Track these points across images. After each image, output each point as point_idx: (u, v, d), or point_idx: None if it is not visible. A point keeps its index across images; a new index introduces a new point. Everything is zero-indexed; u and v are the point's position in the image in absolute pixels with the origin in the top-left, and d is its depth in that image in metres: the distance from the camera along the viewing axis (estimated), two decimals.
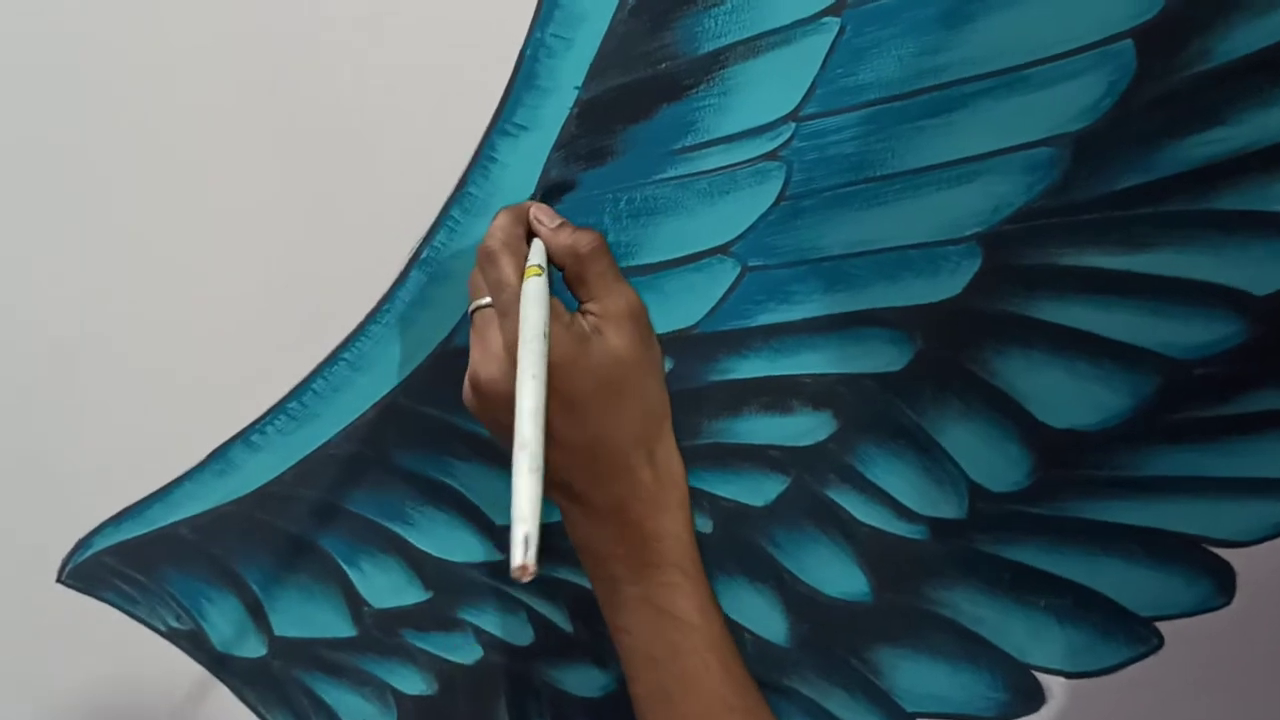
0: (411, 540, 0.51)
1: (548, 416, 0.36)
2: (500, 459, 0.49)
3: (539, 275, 0.39)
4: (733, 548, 0.49)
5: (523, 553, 0.30)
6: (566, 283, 0.41)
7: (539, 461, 0.32)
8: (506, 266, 0.39)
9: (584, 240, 0.40)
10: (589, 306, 0.41)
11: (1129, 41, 0.40)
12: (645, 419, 0.41)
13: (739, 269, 0.45)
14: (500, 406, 0.39)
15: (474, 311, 0.41)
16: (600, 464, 0.37)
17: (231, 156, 0.45)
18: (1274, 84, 0.40)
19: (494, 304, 0.40)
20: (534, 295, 0.37)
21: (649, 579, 0.41)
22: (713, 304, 0.45)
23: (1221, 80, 0.40)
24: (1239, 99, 0.40)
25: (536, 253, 0.41)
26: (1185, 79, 0.40)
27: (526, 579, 0.30)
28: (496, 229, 0.41)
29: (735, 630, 0.50)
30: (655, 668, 0.40)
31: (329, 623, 0.53)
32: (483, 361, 0.39)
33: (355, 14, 0.43)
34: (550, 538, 0.51)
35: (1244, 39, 0.39)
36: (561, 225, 0.41)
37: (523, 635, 0.53)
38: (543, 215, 0.42)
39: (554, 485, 0.41)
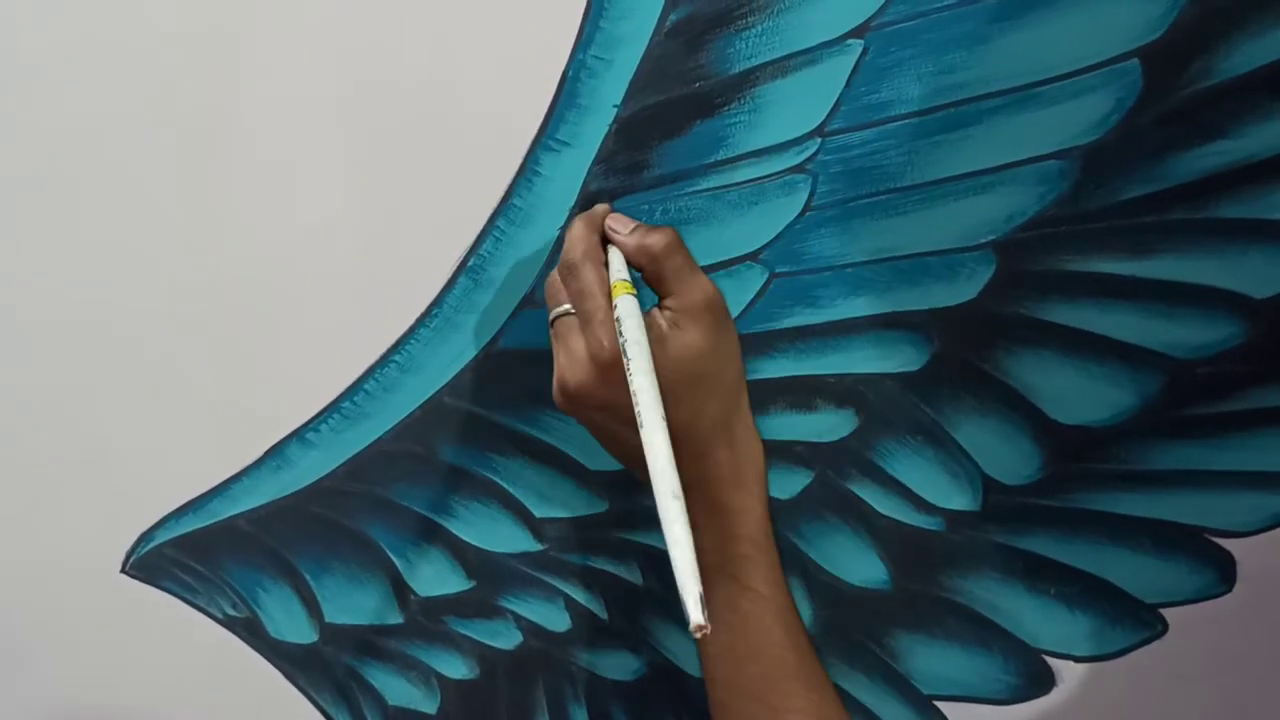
0: (456, 532, 0.52)
1: (629, 412, 0.37)
2: (542, 455, 0.50)
3: (629, 293, 0.39)
4: None
5: (700, 613, 0.31)
6: (645, 281, 0.42)
7: (684, 514, 0.33)
8: (589, 276, 0.40)
9: (658, 240, 0.41)
10: (667, 302, 0.41)
11: (1135, 61, 0.41)
12: (724, 402, 0.41)
13: (767, 275, 0.46)
14: (592, 408, 0.41)
15: (556, 319, 0.41)
16: (683, 447, 0.37)
17: (296, 169, 0.46)
18: (1273, 99, 0.40)
19: (576, 312, 0.40)
20: (633, 319, 0.38)
21: (725, 550, 0.41)
22: (742, 308, 0.46)
23: (1223, 96, 0.41)
24: (1240, 114, 0.41)
25: (618, 263, 0.41)
26: (1189, 95, 0.41)
27: (704, 634, 0.31)
28: (576, 240, 0.41)
29: None
30: (726, 631, 0.41)
31: (377, 610, 0.54)
32: (570, 368, 0.40)
33: (412, 38, 0.44)
34: (588, 529, 0.52)
35: (1245, 57, 0.40)
36: (635, 229, 0.42)
37: (560, 622, 0.53)
38: (617, 224, 0.42)
39: (639, 465, 0.41)
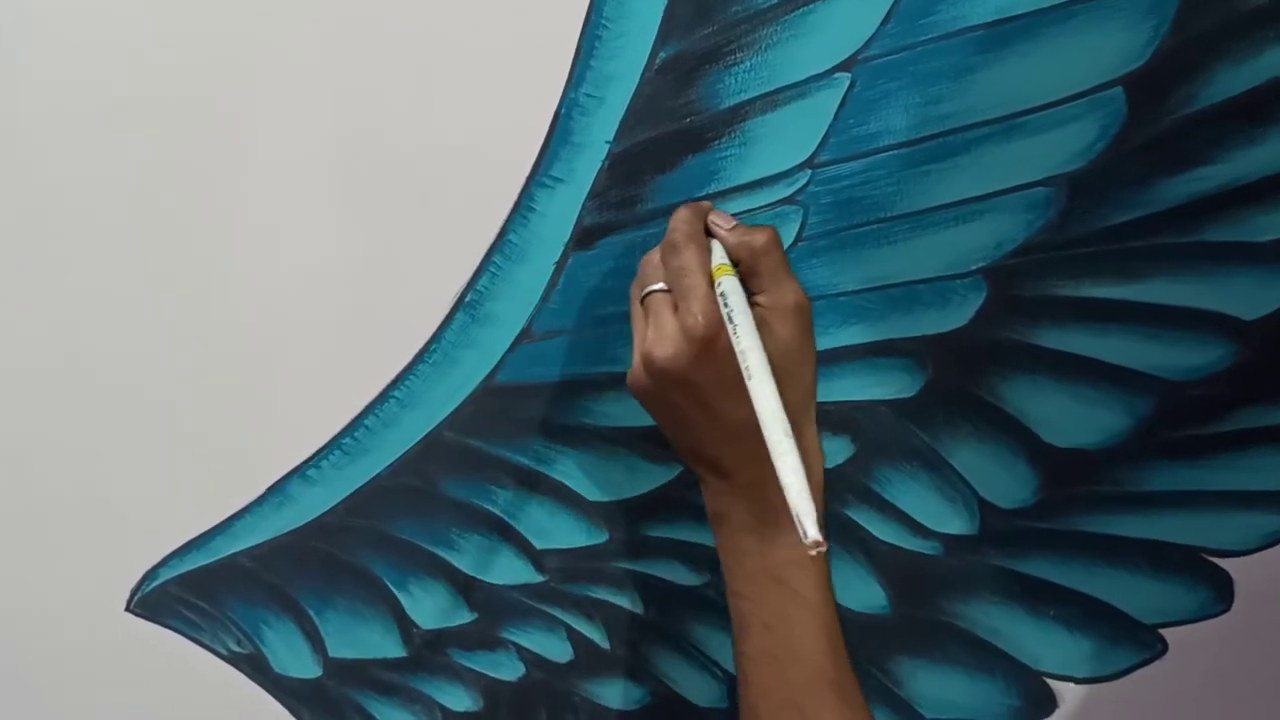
0: (457, 565, 0.52)
1: (709, 397, 0.38)
2: (542, 487, 0.50)
3: (732, 274, 0.40)
4: None
5: (817, 530, 0.33)
6: (741, 276, 0.41)
7: (796, 449, 0.35)
8: (692, 255, 0.40)
9: (759, 237, 0.41)
10: (759, 299, 0.41)
11: (1119, 89, 0.41)
12: (796, 406, 0.40)
13: None
14: (673, 384, 0.40)
15: (648, 295, 0.41)
16: (749, 445, 0.36)
17: (296, 210, 0.46)
18: (1254, 125, 0.41)
19: (672, 289, 0.40)
20: (738, 295, 0.39)
21: (775, 554, 0.41)
22: None
23: (1206, 123, 0.41)
24: (1222, 139, 0.41)
25: (719, 253, 0.41)
26: (1172, 122, 0.41)
27: (821, 550, 0.33)
28: (681, 222, 0.41)
29: None
30: (767, 633, 0.41)
31: (380, 644, 0.53)
32: (659, 342, 0.39)
33: (409, 81, 0.44)
34: (589, 560, 0.51)
35: (1226, 85, 0.40)
36: (737, 225, 0.42)
37: (562, 653, 0.53)
38: (720, 219, 0.42)
39: (701, 459, 0.42)
